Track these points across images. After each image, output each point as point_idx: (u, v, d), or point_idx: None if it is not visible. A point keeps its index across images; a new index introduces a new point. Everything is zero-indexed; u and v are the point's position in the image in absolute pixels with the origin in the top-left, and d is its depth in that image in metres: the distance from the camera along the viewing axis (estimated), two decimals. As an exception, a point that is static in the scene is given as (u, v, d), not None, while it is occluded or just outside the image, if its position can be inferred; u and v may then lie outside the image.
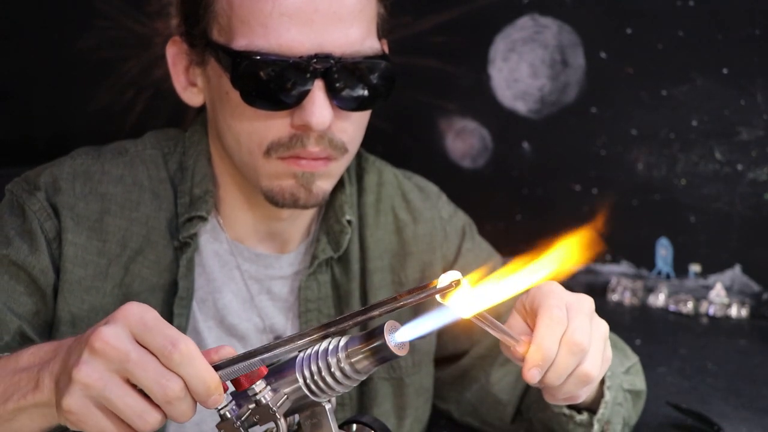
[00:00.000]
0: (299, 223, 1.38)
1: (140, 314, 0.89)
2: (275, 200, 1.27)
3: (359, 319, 0.86)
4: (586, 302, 1.05)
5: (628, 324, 1.97)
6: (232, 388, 0.89)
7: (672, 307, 2.03)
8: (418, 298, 0.85)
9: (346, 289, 1.39)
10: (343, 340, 0.88)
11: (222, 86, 1.24)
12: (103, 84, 2.16)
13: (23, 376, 0.95)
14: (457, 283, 0.84)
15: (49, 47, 2.15)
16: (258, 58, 1.19)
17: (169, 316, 1.29)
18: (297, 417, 0.93)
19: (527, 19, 2.07)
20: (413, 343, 0.88)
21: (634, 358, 1.36)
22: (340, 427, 0.95)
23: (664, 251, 2.08)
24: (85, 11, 2.13)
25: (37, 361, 0.96)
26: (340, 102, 1.22)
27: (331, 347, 0.88)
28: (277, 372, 0.90)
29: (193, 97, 1.33)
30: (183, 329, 1.29)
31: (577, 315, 1.02)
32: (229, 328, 1.35)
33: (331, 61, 1.18)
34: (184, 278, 1.31)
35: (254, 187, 1.30)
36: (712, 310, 2.00)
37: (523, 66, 2.09)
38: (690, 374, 1.68)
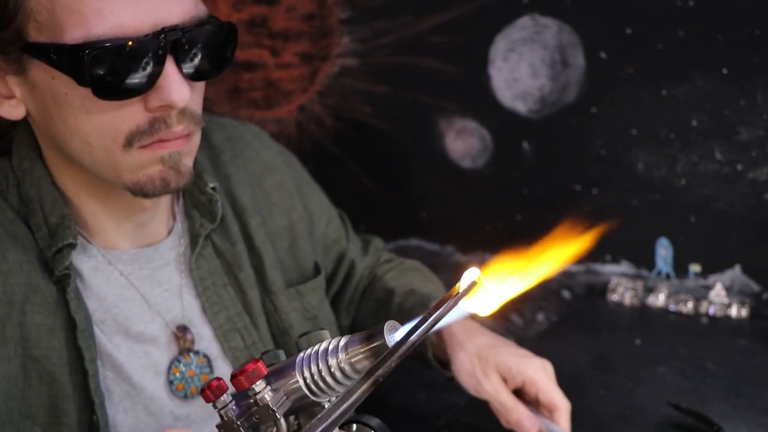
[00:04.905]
0: (162, 207, 1.34)
1: None
2: (144, 191, 1.20)
3: (401, 351, 0.81)
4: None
5: (628, 324, 1.97)
6: (232, 389, 0.89)
7: (672, 307, 2.02)
8: (448, 308, 0.80)
9: (233, 254, 1.38)
10: (343, 340, 0.87)
11: (56, 88, 1.14)
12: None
13: None
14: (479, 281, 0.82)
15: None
16: (100, 47, 1.09)
17: (76, 352, 1.23)
18: (297, 417, 0.93)
19: (527, 19, 2.07)
20: None
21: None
22: (340, 427, 0.95)
23: (664, 251, 2.08)
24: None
25: None
26: (194, 73, 1.17)
27: (331, 347, 0.88)
28: (277, 372, 0.90)
29: (12, 110, 1.21)
30: (93, 359, 1.24)
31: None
32: (137, 336, 1.30)
33: (179, 33, 1.13)
34: (77, 310, 1.24)
35: (113, 186, 1.23)
36: (712, 310, 1.99)
37: (523, 66, 2.09)
38: (690, 374, 1.68)
